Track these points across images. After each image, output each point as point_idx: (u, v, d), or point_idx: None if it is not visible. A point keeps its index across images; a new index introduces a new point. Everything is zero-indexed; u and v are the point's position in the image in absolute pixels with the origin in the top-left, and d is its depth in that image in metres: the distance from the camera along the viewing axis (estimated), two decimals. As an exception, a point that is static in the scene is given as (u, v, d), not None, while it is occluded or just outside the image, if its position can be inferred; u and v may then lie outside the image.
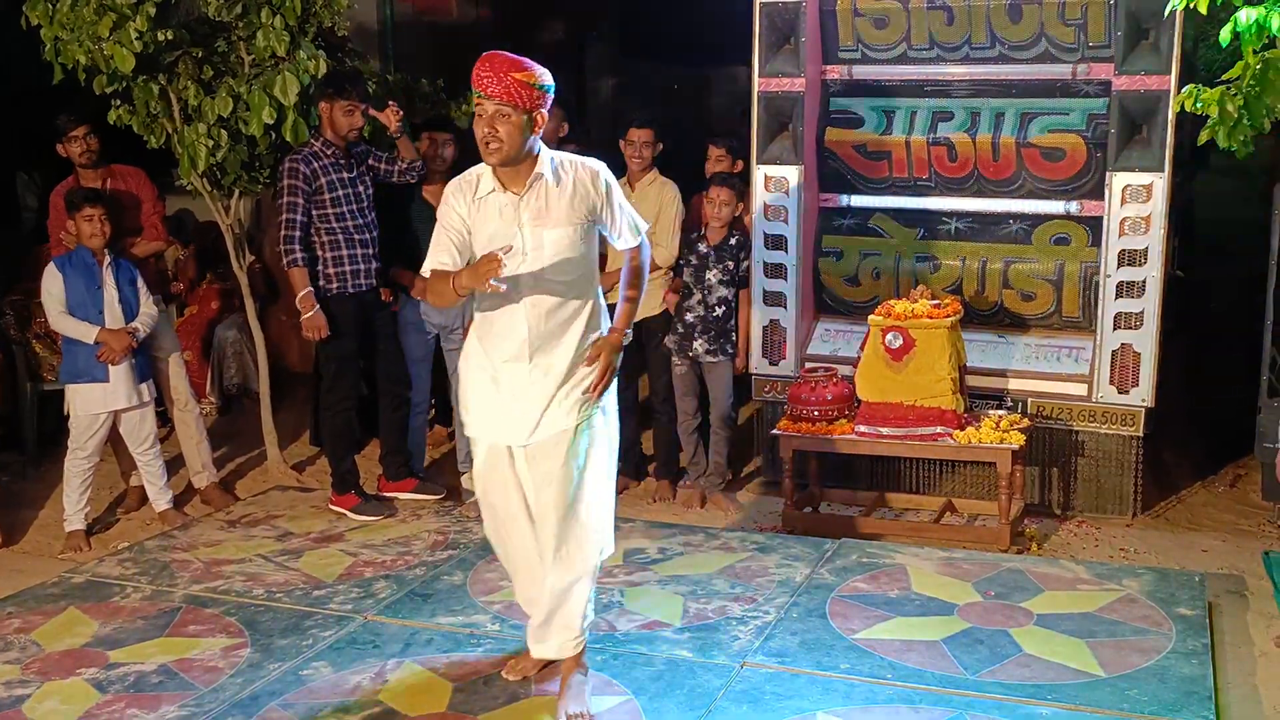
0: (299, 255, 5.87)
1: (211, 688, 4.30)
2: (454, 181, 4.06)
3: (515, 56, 3.84)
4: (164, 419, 6.63)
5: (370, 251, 6.04)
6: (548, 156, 3.97)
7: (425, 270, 4.04)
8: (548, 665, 4.31)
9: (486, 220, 3.95)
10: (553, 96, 3.91)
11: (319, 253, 5.95)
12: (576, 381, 4.01)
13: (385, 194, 6.27)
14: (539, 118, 3.86)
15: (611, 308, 4.17)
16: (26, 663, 4.53)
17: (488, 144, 3.83)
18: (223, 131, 6.08)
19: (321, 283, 5.92)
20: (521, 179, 3.92)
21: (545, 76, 3.86)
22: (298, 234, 5.86)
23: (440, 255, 3.99)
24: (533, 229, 3.92)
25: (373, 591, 5.12)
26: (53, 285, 5.84)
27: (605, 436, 4.11)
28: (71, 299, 5.83)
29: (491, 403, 4.06)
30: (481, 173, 3.98)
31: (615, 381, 4.12)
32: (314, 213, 5.90)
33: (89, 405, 5.89)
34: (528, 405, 3.99)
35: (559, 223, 3.93)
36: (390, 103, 6.07)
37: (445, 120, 6.52)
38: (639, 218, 4.17)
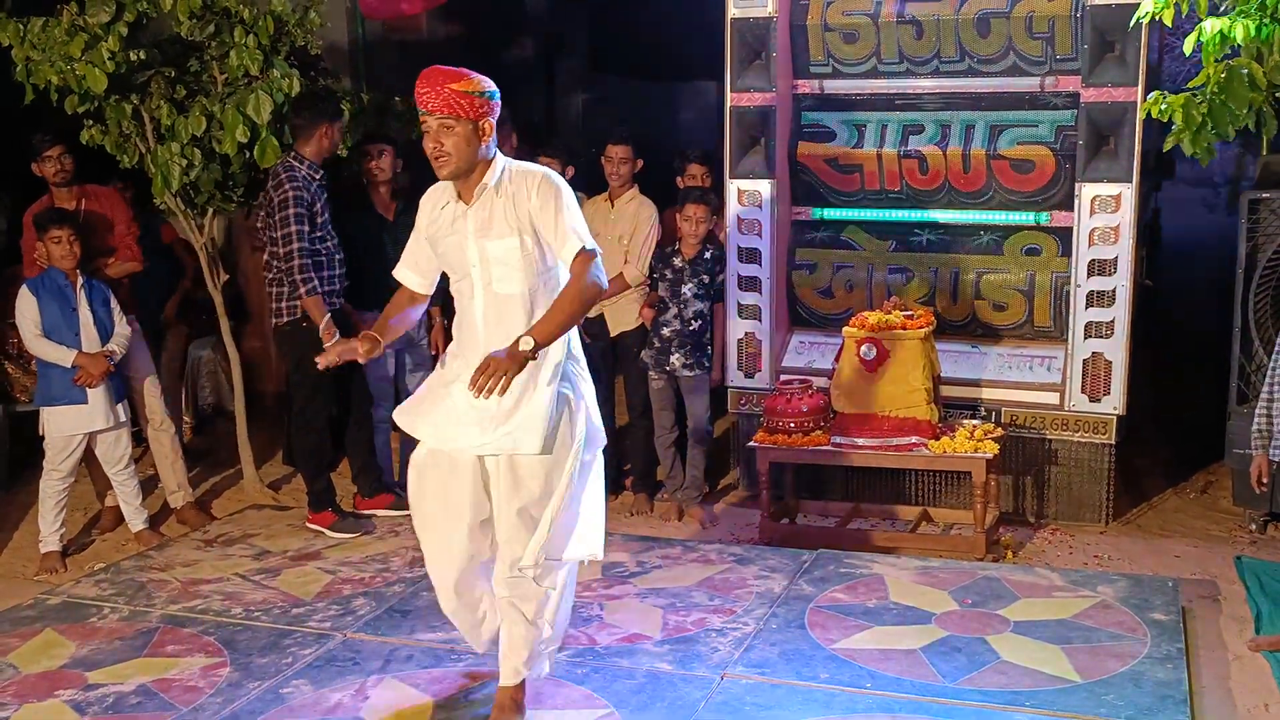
0: (316, 283, 5.84)
1: (191, 707, 4.29)
2: (429, 192, 4.06)
3: (453, 69, 3.80)
4: (138, 439, 6.60)
5: (341, 271, 6.04)
6: (500, 166, 3.90)
7: (395, 274, 4.14)
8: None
9: (445, 231, 3.94)
10: (497, 103, 3.85)
11: None
12: (520, 412, 3.83)
13: (337, 208, 6.28)
14: (486, 126, 3.81)
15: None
16: (3, 685, 4.50)
17: (437, 158, 3.80)
18: (196, 150, 6.07)
19: (295, 300, 5.90)
20: (471, 189, 3.89)
21: (486, 84, 3.82)
22: (310, 261, 5.82)
23: (402, 269, 4.13)
24: (477, 240, 3.87)
25: (352, 609, 5.11)
26: (27, 308, 5.81)
27: (571, 451, 3.93)
28: (46, 321, 5.80)
29: (441, 406, 3.95)
30: (450, 183, 3.96)
31: (585, 393, 4.01)
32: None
33: (64, 426, 5.86)
34: (481, 414, 3.83)
35: (501, 233, 3.85)
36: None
37: (382, 134, 6.54)
38: (584, 233, 3.87)
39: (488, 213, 3.86)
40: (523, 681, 4.08)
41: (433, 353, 6.57)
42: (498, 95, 3.85)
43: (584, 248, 3.81)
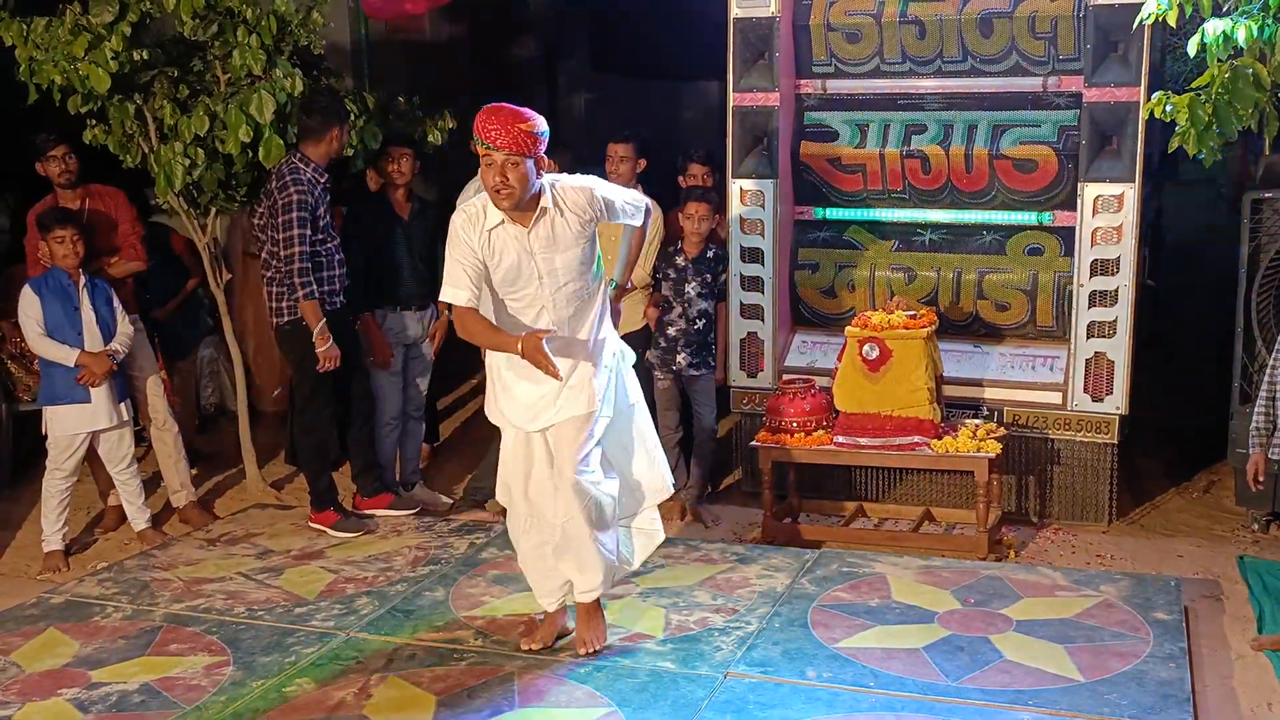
0: (314, 288, 5.85)
1: (194, 706, 4.29)
2: (460, 215, 4.35)
3: (516, 108, 4.18)
4: (141, 438, 6.61)
5: (341, 271, 6.04)
6: (547, 187, 4.31)
7: (446, 297, 4.35)
8: (562, 636, 4.73)
9: (503, 250, 4.30)
10: (547, 139, 4.25)
11: None
12: (585, 372, 4.41)
13: (357, 212, 6.42)
14: (541, 161, 4.23)
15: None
16: (6, 684, 4.51)
17: (499, 190, 4.17)
18: (199, 150, 6.07)
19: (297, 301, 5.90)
20: (527, 214, 4.26)
21: (542, 123, 4.23)
22: (309, 265, 5.82)
23: (460, 290, 4.31)
24: (543, 257, 4.31)
25: (354, 608, 5.12)
26: (30, 308, 5.81)
27: (624, 406, 4.61)
28: (50, 321, 5.81)
29: (512, 395, 4.47)
30: (485, 204, 4.31)
31: (631, 376, 4.67)
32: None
33: (68, 425, 5.87)
34: (548, 394, 4.38)
35: (567, 246, 4.33)
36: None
37: (406, 137, 6.57)
38: (635, 197, 4.57)
39: (550, 231, 4.30)
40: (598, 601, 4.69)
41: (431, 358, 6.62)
42: (549, 132, 4.26)
43: (644, 208, 4.59)
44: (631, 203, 4.56)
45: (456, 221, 4.33)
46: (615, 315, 4.77)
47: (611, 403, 4.54)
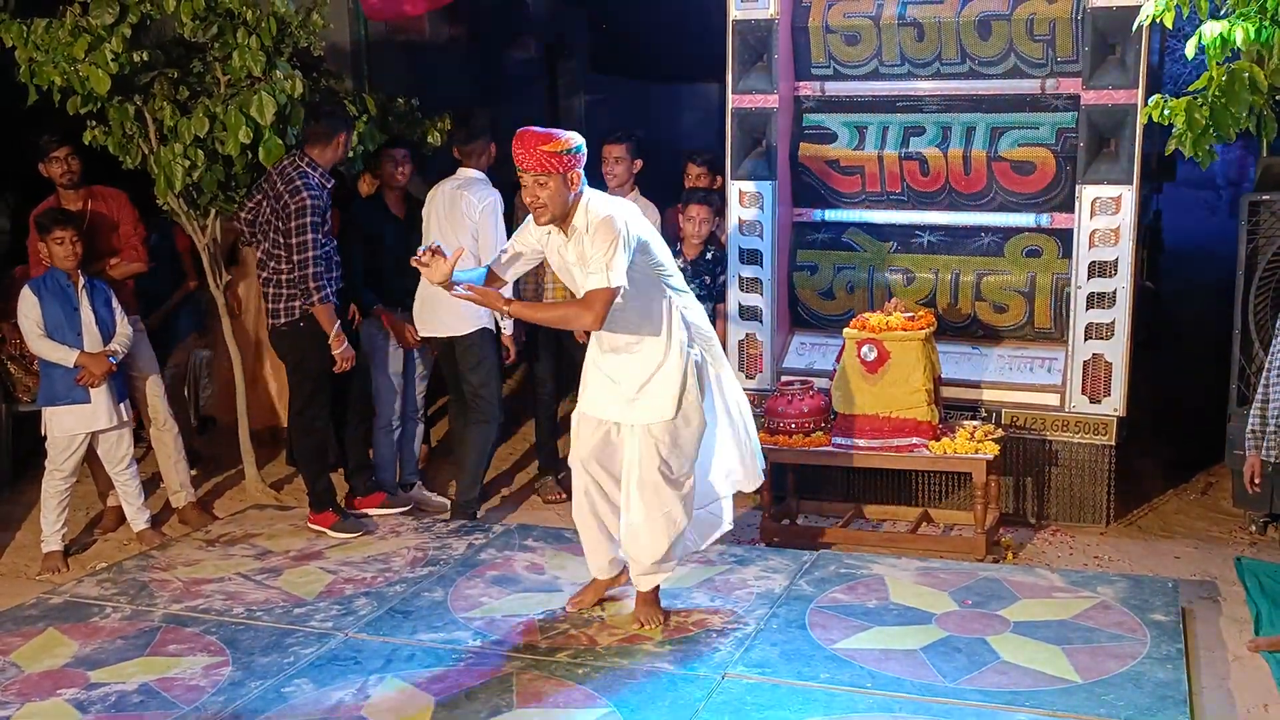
0: (329, 291, 5.86)
1: (193, 706, 4.30)
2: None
3: (543, 131, 4.42)
4: (140, 438, 6.61)
5: (339, 273, 6.05)
6: (584, 204, 4.51)
7: (502, 247, 4.86)
8: (603, 600, 5.06)
9: (553, 249, 4.62)
10: (583, 153, 4.47)
11: None
12: (648, 391, 4.62)
13: (356, 214, 6.45)
14: (573, 177, 4.44)
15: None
16: (6, 684, 4.51)
17: (534, 208, 4.46)
18: (199, 151, 6.08)
19: (300, 302, 5.91)
20: (567, 228, 4.53)
21: (572, 140, 4.43)
22: (324, 269, 5.84)
23: (512, 244, 4.75)
24: (578, 269, 4.54)
25: (353, 608, 5.12)
26: (29, 309, 5.82)
27: (682, 426, 4.70)
28: (49, 322, 5.81)
29: (586, 381, 4.83)
30: None
31: (727, 370, 4.92)
32: None
33: (67, 426, 5.87)
34: (618, 392, 4.68)
35: (587, 265, 4.49)
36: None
37: (405, 140, 6.59)
38: (617, 273, 4.39)
39: (581, 248, 4.49)
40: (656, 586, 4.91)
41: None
42: (583, 146, 4.47)
43: (602, 286, 4.40)
44: (603, 273, 4.40)
45: (529, 216, 4.62)
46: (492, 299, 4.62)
47: (700, 408, 4.70)
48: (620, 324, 4.56)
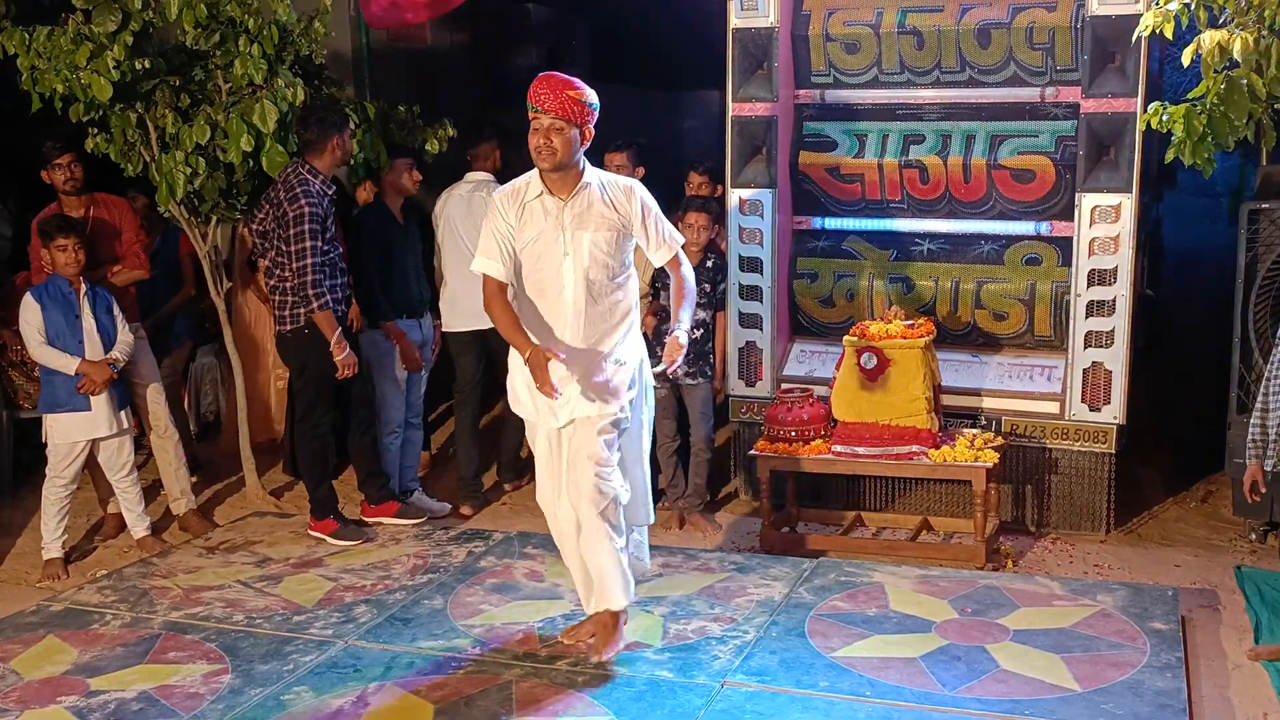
0: (329, 298, 5.87)
1: (193, 714, 4.30)
2: (503, 189, 4.50)
3: (568, 77, 4.34)
4: (140, 445, 6.62)
5: (345, 279, 6.06)
6: (593, 170, 4.48)
7: (477, 266, 4.51)
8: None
9: (532, 222, 4.43)
10: (597, 113, 4.38)
11: None
12: (605, 377, 4.46)
13: (362, 221, 6.45)
14: (587, 131, 4.38)
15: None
16: (5, 691, 4.52)
17: (540, 151, 4.31)
18: (200, 159, 6.09)
19: (304, 309, 5.91)
20: (568, 186, 4.41)
21: (593, 95, 4.37)
22: (323, 276, 5.85)
23: (492, 261, 4.47)
24: (574, 231, 4.40)
25: (353, 616, 5.12)
26: (31, 316, 5.83)
27: (638, 422, 4.64)
28: (51, 329, 5.82)
29: (532, 391, 4.45)
30: (530, 179, 4.47)
31: (649, 384, 4.75)
32: None
33: (68, 433, 5.88)
34: (573, 390, 4.43)
35: (598, 226, 4.42)
36: None
37: (408, 148, 6.61)
38: (675, 232, 4.62)
39: (586, 207, 4.41)
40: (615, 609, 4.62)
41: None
42: (598, 107, 4.40)
43: (678, 253, 4.58)
44: (664, 234, 4.56)
45: (498, 195, 4.48)
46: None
47: (632, 409, 4.60)
48: (606, 299, 4.53)
